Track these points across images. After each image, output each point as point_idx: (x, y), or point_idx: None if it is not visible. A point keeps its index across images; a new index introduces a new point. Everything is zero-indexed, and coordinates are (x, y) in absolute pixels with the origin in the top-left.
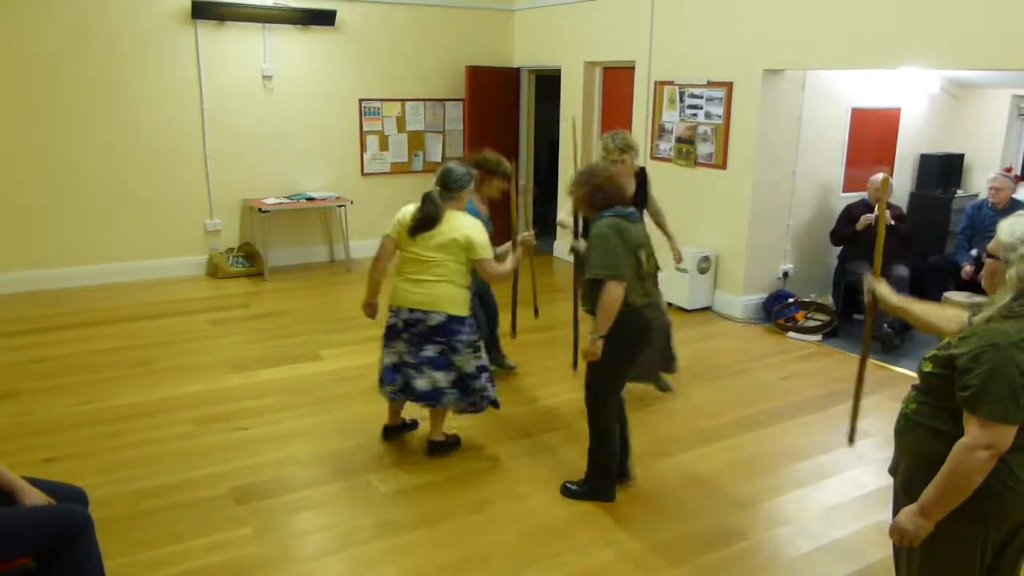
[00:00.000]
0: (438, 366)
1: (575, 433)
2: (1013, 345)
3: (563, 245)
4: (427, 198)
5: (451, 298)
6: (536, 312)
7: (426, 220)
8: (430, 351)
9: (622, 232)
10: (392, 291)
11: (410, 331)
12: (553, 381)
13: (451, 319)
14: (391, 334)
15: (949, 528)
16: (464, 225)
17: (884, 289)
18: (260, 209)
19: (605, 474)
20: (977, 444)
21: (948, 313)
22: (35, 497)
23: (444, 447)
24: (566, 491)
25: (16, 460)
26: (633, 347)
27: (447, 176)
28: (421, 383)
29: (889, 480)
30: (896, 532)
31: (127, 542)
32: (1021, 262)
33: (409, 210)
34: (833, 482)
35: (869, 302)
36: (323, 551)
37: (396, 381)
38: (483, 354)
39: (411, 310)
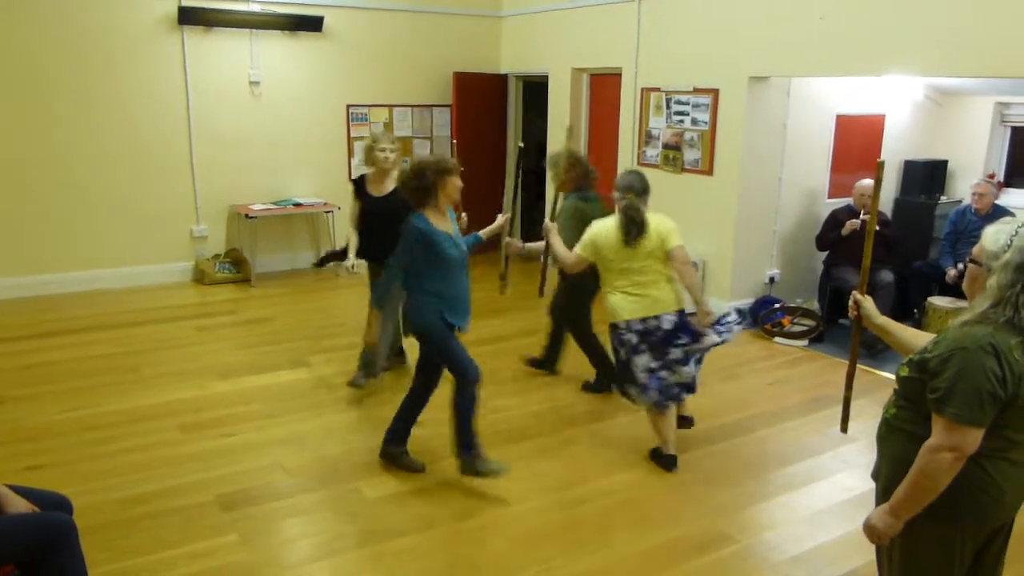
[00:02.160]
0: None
1: (562, 439)
2: (981, 349)
3: None
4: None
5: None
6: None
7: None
8: (676, 352)
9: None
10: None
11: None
12: (539, 387)
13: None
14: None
15: (928, 532)
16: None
17: (870, 306)
18: (247, 215)
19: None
20: (942, 446)
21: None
22: (19, 505)
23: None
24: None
25: (0, 468)
26: None
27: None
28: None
29: (873, 485)
30: (867, 529)
31: (112, 550)
32: (1002, 271)
33: (607, 227)
34: (819, 487)
35: (854, 316)
36: (310, 558)
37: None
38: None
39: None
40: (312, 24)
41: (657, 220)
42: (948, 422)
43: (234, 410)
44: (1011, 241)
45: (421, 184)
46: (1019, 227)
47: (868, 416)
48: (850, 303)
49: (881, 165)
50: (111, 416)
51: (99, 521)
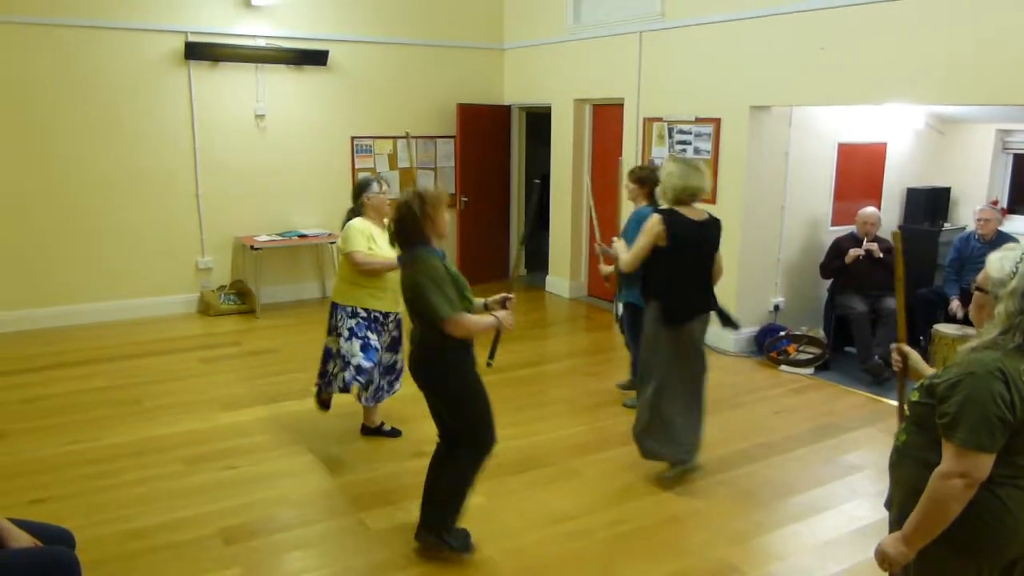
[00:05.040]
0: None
1: (566, 469)
2: (990, 374)
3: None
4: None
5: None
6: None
7: None
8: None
9: None
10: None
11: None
12: (544, 417)
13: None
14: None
15: (943, 562)
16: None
17: (918, 358)
18: (252, 246)
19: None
20: (952, 472)
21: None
22: (21, 539)
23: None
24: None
25: (2, 502)
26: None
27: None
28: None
29: (883, 514)
30: (879, 556)
31: None
32: (1009, 298)
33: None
34: (827, 516)
35: (899, 369)
36: None
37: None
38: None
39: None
40: (317, 58)
41: (345, 225)
42: (957, 448)
43: (237, 442)
44: (1016, 268)
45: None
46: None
47: (874, 445)
48: (894, 356)
49: (897, 236)
50: (114, 449)
51: (101, 555)
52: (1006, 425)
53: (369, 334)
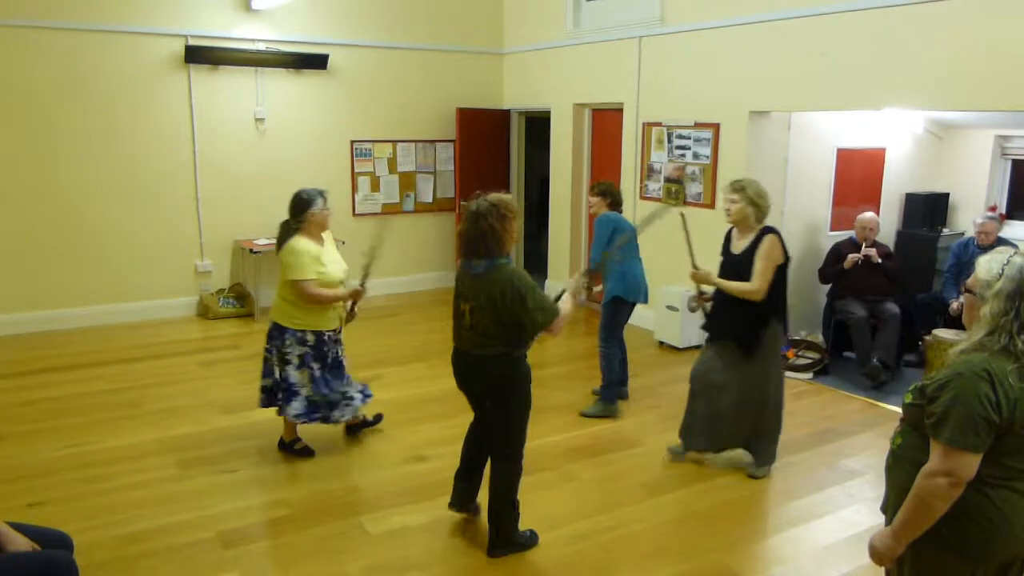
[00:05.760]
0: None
1: (563, 473)
2: (976, 375)
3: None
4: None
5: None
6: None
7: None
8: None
9: None
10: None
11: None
12: (543, 421)
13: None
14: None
15: (936, 563)
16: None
17: None
18: (251, 250)
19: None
20: (937, 470)
21: None
22: (19, 543)
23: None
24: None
25: (0, 505)
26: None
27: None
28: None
29: (882, 519)
30: (870, 550)
31: None
32: (995, 299)
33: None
34: (826, 521)
35: None
36: None
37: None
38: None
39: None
40: (317, 62)
41: (288, 244)
42: (944, 447)
43: (235, 446)
44: (1003, 270)
45: None
46: (1011, 256)
47: (873, 450)
48: None
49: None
50: (112, 452)
51: (99, 559)
52: (992, 425)
53: (314, 363)
